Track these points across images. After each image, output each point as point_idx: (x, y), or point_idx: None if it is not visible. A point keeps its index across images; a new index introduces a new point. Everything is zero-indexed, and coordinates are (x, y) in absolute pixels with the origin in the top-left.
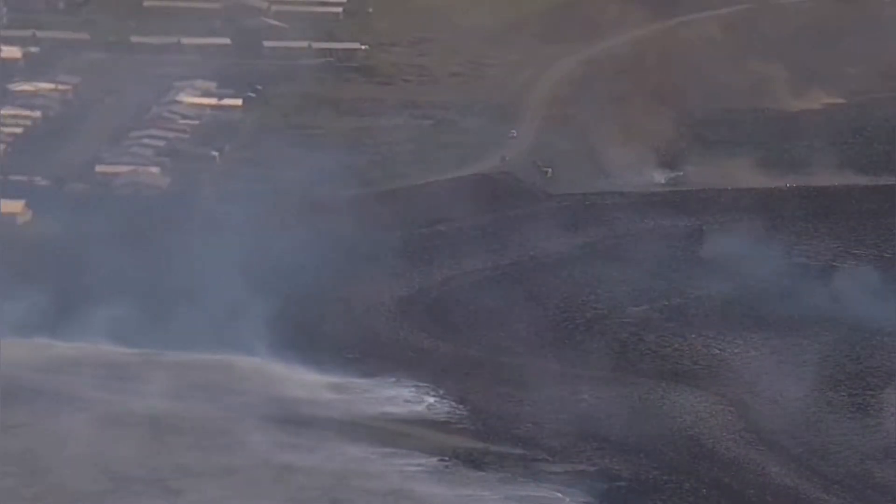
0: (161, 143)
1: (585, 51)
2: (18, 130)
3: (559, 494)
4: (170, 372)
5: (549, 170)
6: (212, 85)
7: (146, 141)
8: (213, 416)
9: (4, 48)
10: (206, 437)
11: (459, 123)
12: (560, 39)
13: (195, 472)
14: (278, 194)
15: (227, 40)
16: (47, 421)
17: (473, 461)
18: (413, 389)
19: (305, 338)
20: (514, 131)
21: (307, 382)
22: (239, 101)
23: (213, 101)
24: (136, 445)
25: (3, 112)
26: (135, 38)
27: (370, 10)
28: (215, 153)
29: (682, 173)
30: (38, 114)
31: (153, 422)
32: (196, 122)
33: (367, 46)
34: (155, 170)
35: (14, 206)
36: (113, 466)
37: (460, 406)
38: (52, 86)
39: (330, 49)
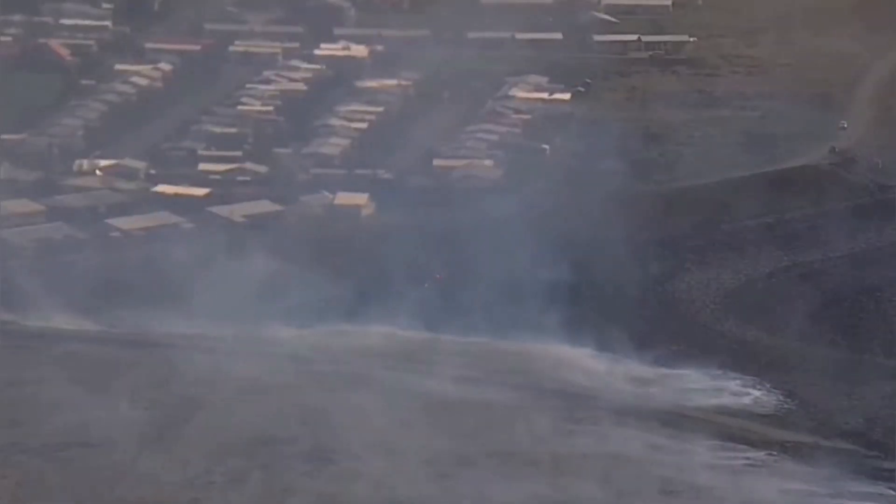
0: (494, 137)
1: None
2: (363, 126)
3: (894, 492)
4: (505, 359)
5: (880, 161)
6: (543, 80)
7: (480, 135)
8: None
9: (353, 47)
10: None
11: (787, 114)
12: (889, 28)
13: (475, 457)
14: (604, 186)
15: (558, 35)
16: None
17: (802, 456)
18: (738, 382)
19: (629, 330)
20: (844, 122)
21: (628, 374)
22: (568, 96)
23: (543, 95)
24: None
25: (349, 108)
26: (471, 35)
27: (700, 1)
28: (545, 146)
29: None
30: (380, 109)
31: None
32: (527, 117)
33: (695, 38)
34: (489, 163)
35: (358, 198)
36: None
37: (788, 400)
38: (394, 82)
39: (659, 42)
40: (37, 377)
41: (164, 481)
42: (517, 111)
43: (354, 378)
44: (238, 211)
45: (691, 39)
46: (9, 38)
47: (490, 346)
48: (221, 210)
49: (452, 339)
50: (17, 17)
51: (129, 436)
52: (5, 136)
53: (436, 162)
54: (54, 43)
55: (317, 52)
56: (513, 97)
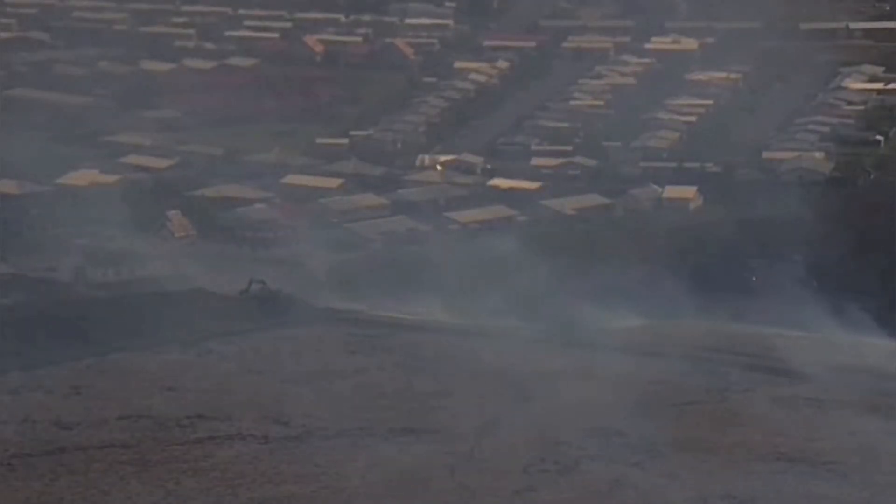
0: (825, 129)
1: None
2: (692, 119)
3: None
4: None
5: None
6: (879, 70)
7: (811, 127)
8: None
9: (683, 40)
10: None
11: None
12: None
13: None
14: None
15: (894, 24)
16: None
17: None
18: None
19: None
20: None
21: None
22: None
23: (878, 85)
24: None
25: (677, 101)
26: (804, 26)
27: None
28: (879, 138)
29: None
30: (709, 102)
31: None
32: (861, 108)
33: None
34: (819, 155)
35: (686, 192)
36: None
37: None
38: (723, 75)
39: None
40: (379, 365)
41: (500, 469)
42: (850, 102)
43: (672, 371)
44: (569, 204)
45: None
46: (359, 39)
47: (820, 339)
48: (553, 203)
49: (775, 332)
50: (366, 18)
51: (464, 424)
52: (354, 133)
53: (765, 154)
54: (399, 42)
55: (647, 45)
56: (845, 88)
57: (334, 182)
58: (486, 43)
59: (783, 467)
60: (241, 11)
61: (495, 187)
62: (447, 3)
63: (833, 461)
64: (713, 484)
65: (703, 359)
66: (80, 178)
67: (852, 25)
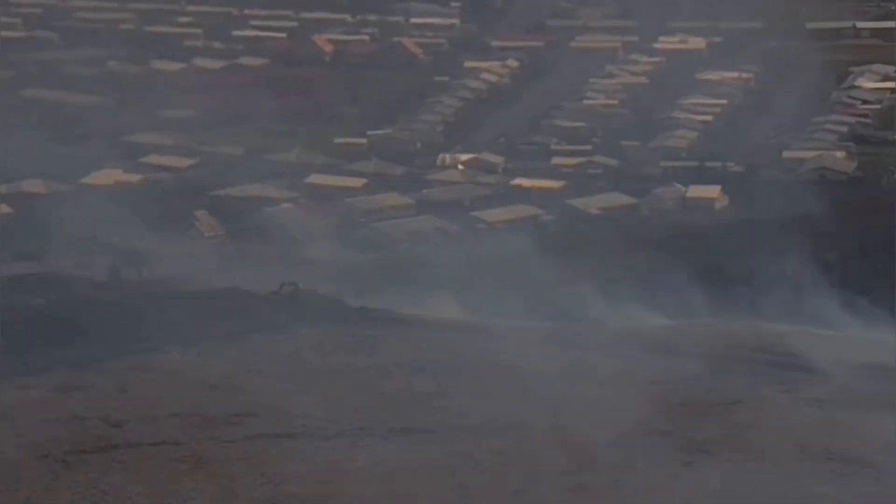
0: (843, 129)
1: None
2: (708, 118)
3: None
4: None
5: None
6: (890, 69)
7: (829, 126)
8: None
9: (691, 39)
10: None
11: None
12: None
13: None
14: None
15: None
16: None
17: None
18: None
19: None
20: None
21: None
22: None
23: (892, 84)
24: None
25: (692, 101)
26: (810, 25)
27: None
28: None
29: None
30: (724, 101)
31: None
32: (877, 107)
33: None
34: (840, 154)
35: (711, 191)
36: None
37: None
38: (735, 74)
39: None
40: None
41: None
42: (865, 101)
43: (693, 371)
44: (594, 203)
45: None
46: (366, 38)
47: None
48: (578, 203)
49: (801, 330)
50: (372, 17)
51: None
52: (371, 133)
53: (785, 154)
54: (407, 41)
55: (656, 45)
56: (859, 87)
57: (358, 182)
58: (494, 43)
59: (811, 467)
60: (247, 11)
61: (518, 186)
62: (452, 3)
63: (864, 460)
64: (737, 485)
65: (727, 358)
66: (104, 177)
67: (859, 25)
